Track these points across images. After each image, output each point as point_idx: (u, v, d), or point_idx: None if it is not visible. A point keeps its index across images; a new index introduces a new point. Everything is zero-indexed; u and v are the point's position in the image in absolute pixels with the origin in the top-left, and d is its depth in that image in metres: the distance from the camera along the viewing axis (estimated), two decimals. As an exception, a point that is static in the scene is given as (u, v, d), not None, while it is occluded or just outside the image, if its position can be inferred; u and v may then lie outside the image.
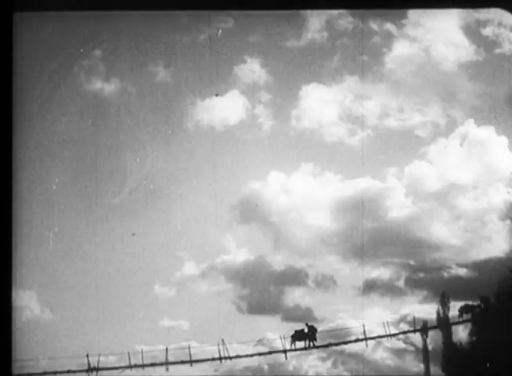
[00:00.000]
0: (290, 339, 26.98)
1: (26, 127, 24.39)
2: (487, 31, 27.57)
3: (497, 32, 27.31)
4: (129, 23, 25.46)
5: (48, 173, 25.73)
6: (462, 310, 27.37)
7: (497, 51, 27.20)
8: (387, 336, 27.17)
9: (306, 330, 27.16)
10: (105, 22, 25.18)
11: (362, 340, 27.06)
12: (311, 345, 27.17)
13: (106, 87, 27.10)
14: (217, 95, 25.44)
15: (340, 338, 27.17)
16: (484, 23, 27.48)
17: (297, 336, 27.09)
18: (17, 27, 22.62)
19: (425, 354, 27.27)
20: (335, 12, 27.02)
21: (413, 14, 27.09)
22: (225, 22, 26.28)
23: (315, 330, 27.17)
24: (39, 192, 25.39)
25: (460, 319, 27.36)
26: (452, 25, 27.54)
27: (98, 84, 27.07)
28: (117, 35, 25.69)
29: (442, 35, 27.59)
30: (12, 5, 22.34)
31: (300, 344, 27.13)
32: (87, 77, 26.67)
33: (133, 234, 25.65)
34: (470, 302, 27.29)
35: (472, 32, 27.73)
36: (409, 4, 25.03)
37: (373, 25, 27.22)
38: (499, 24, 27.16)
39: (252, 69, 27.75)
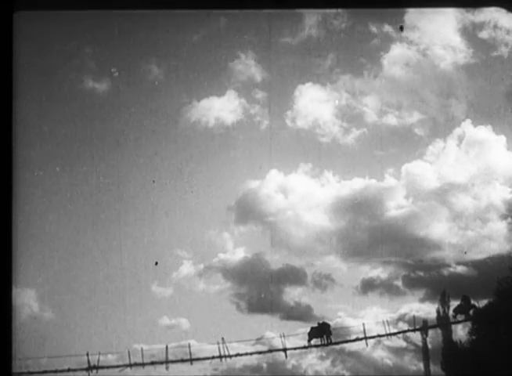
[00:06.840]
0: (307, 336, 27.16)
1: (26, 126, 24.49)
2: (483, 34, 27.75)
3: (493, 35, 27.47)
4: (128, 23, 25.69)
5: (48, 173, 25.85)
6: (456, 310, 27.30)
7: (494, 53, 27.40)
8: (386, 335, 27.12)
9: (320, 328, 27.19)
10: (103, 22, 25.39)
11: (361, 339, 27.02)
12: (329, 341, 27.16)
13: (106, 86, 27.30)
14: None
15: (338, 337, 27.14)
16: (481, 26, 27.66)
17: (313, 333, 27.09)
18: (17, 27, 22.72)
19: (425, 353, 27.18)
20: (332, 11, 27.16)
21: (410, 17, 27.23)
22: (220, 21, 26.50)
23: (329, 325, 27.12)
24: (39, 191, 25.50)
25: (455, 319, 27.33)
26: (449, 27, 27.70)
27: (98, 84, 27.27)
28: (116, 35, 25.91)
29: (439, 37, 27.73)
30: (12, 5, 22.47)
31: (316, 340, 27.20)
32: (87, 77, 26.88)
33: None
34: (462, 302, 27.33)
35: (469, 34, 27.91)
36: (410, 4, 25.04)
37: (372, 27, 27.40)
38: (495, 26, 27.34)
39: (248, 67, 27.94)
